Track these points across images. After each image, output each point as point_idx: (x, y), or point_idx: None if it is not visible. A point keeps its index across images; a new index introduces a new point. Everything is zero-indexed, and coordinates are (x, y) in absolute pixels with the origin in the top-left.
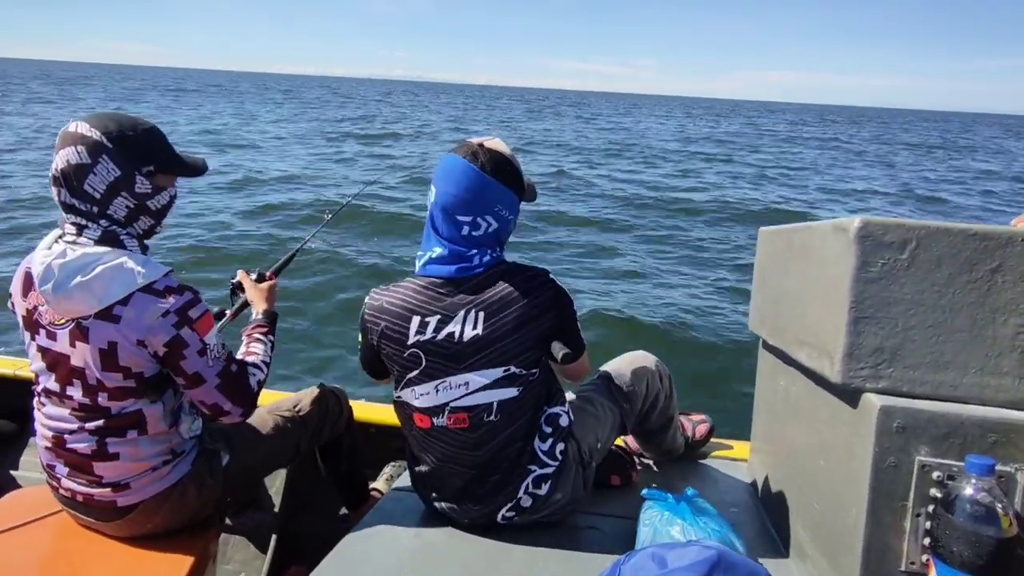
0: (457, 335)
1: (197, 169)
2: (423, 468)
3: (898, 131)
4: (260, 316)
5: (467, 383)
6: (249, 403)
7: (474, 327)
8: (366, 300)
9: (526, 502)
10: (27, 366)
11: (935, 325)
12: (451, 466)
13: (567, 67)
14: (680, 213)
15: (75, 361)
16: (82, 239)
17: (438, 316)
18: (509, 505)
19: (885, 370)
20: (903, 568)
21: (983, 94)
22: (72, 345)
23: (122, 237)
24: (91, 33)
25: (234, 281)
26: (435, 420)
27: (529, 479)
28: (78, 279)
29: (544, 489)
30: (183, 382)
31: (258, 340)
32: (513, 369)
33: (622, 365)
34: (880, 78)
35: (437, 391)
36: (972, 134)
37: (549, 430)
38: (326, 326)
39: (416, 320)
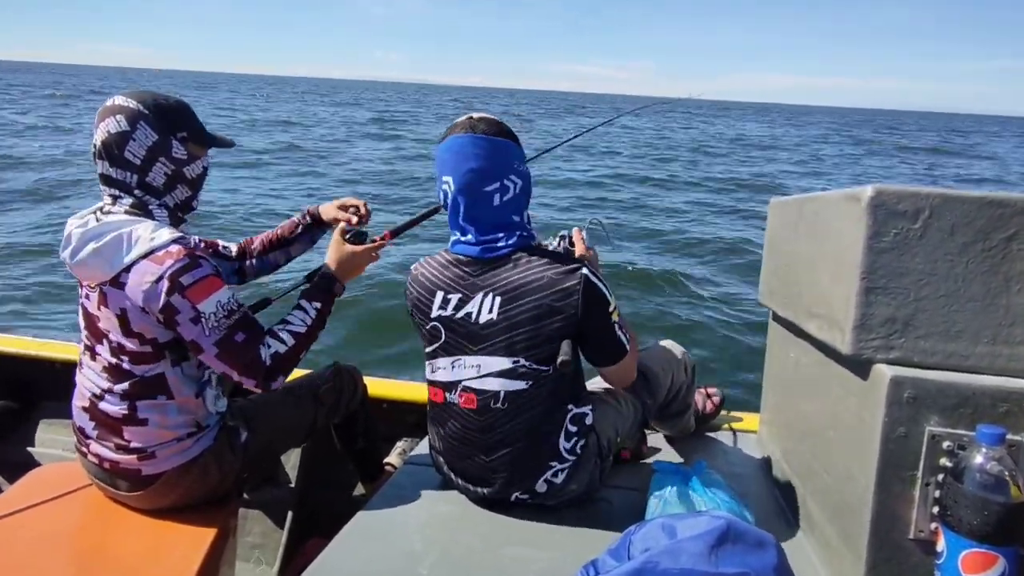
0: (474, 316)
1: (226, 143)
2: (437, 442)
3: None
4: (318, 278)
5: (479, 365)
6: (261, 375)
7: (490, 311)
8: (411, 269)
9: (541, 488)
10: (32, 345)
11: (948, 295)
12: (460, 446)
13: (564, 69)
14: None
15: (101, 324)
16: (115, 208)
17: (459, 295)
18: (523, 489)
19: (896, 341)
20: (911, 536)
21: (973, 96)
22: (99, 308)
23: (151, 207)
24: (86, 36)
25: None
26: (448, 396)
27: (548, 473)
28: (91, 246)
29: (560, 479)
30: (190, 350)
31: (299, 307)
32: (522, 361)
33: (651, 358)
34: (876, 80)
35: (452, 367)
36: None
37: (575, 429)
38: (344, 307)
39: (440, 295)
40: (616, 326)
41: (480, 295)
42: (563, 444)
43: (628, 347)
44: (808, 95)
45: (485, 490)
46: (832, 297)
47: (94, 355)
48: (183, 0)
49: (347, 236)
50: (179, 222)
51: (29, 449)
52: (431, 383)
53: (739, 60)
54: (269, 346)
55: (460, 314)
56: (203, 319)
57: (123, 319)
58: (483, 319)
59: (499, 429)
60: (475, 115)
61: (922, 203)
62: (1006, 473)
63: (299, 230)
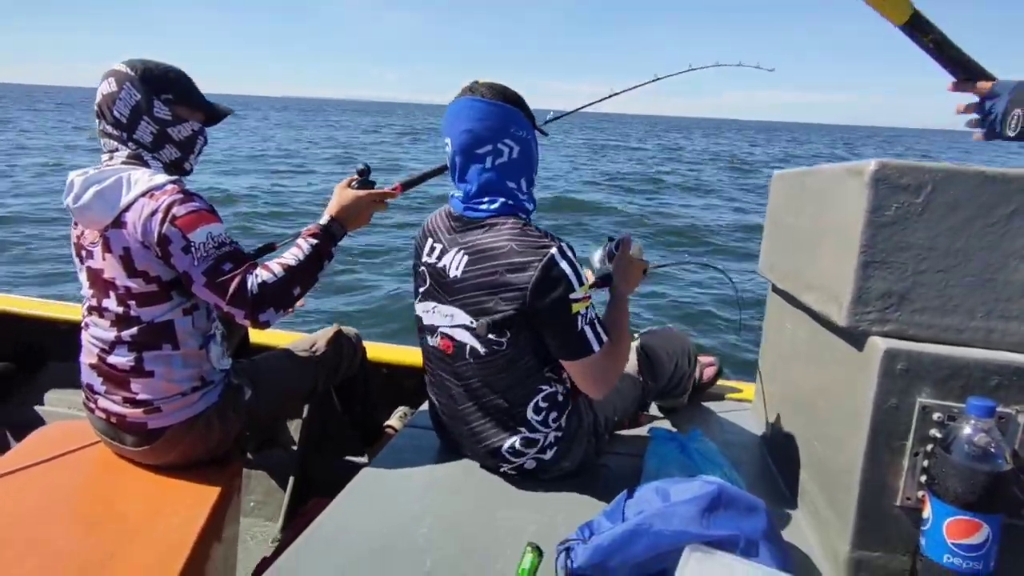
0: (447, 269)
1: (216, 108)
2: (429, 387)
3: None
4: (321, 221)
5: (452, 315)
6: (248, 305)
7: (457, 267)
8: None
9: (530, 464)
10: (37, 305)
11: (946, 270)
12: (439, 391)
13: (558, 88)
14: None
15: (107, 273)
16: (113, 161)
17: (442, 246)
18: (509, 468)
19: (892, 314)
20: (898, 503)
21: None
22: (103, 258)
23: (147, 158)
24: (84, 58)
25: (359, 167)
26: (429, 339)
27: (517, 438)
28: (93, 189)
29: (549, 455)
30: (184, 282)
31: (297, 245)
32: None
33: (655, 344)
34: (870, 96)
35: (433, 312)
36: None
37: (545, 405)
38: (347, 273)
39: (429, 242)
40: (579, 318)
41: (454, 251)
42: (531, 415)
43: (596, 348)
44: (808, 112)
45: (465, 442)
46: (831, 270)
47: (101, 312)
48: (177, 24)
49: (352, 183)
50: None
51: (36, 408)
52: (420, 324)
53: (731, 77)
54: (257, 276)
55: (439, 264)
56: (193, 248)
57: (127, 259)
58: (452, 274)
59: (470, 380)
60: (481, 80)
61: (925, 178)
62: (993, 445)
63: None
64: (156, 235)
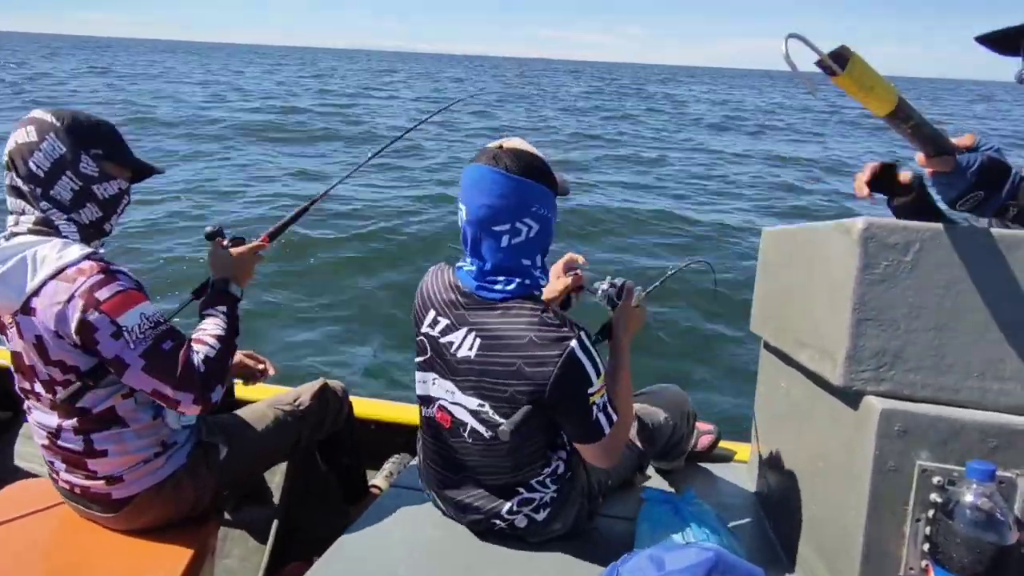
0: (454, 347)
1: (149, 167)
2: (420, 451)
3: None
4: (212, 286)
5: (452, 392)
6: (197, 385)
7: (469, 348)
8: (427, 272)
9: (521, 522)
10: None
11: (938, 328)
12: (434, 459)
13: (553, 36)
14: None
15: (26, 359)
16: (19, 228)
17: (448, 321)
18: (502, 524)
19: (887, 373)
20: (901, 573)
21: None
22: (19, 343)
23: (59, 223)
24: (77, 5)
25: (208, 230)
26: (425, 409)
27: (513, 502)
28: None
29: (542, 515)
30: (112, 371)
31: (206, 316)
32: (487, 408)
33: (655, 406)
34: (872, 47)
35: (433, 383)
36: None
37: (545, 474)
38: (333, 322)
39: (432, 314)
40: (594, 408)
41: (464, 330)
42: (533, 483)
43: (607, 430)
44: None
45: (456, 512)
46: (823, 328)
47: (37, 397)
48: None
49: (225, 244)
50: (92, 239)
51: (10, 463)
52: (417, 393)
53: (730, 24)
54: (197, 352)
55: (444, 340)
56: (126, 332)
57: (40, 348)
58: (460, 354)
59: (467, 457)
60: (507, 144)
61: (913, 236)
62: (998, 511)
63: None
64: (75, 323)
